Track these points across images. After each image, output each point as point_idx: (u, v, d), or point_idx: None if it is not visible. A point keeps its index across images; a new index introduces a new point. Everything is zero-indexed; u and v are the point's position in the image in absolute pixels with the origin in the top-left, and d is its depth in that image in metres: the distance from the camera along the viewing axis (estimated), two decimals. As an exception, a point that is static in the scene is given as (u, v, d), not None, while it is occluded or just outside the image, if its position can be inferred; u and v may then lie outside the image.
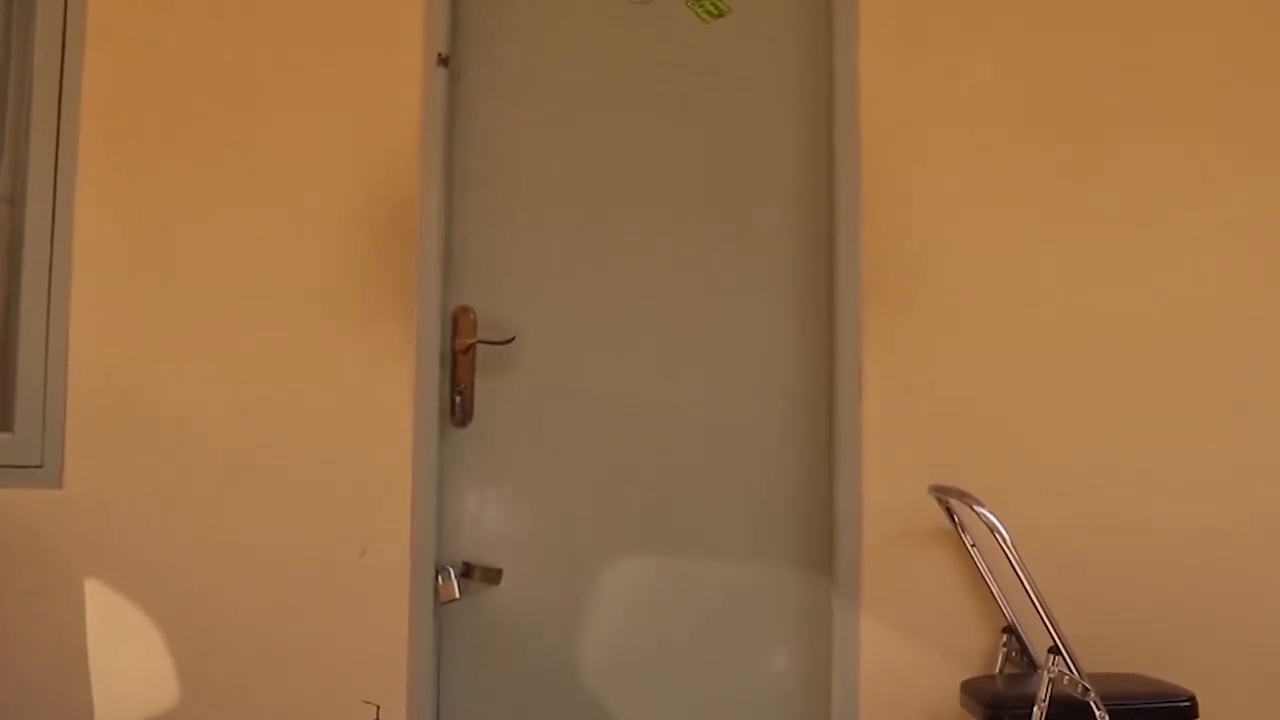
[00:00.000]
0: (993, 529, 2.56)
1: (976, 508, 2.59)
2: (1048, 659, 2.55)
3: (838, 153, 3.00)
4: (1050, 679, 2.53)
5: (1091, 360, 2.96)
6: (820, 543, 2.99)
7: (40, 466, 2.91)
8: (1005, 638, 2.84)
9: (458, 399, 2.98)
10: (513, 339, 2.99)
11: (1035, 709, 2.51)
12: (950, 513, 2.86)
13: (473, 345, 2.97)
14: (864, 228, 2.97)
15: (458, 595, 2.92)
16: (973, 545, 2.84)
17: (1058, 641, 2.54)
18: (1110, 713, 2.47)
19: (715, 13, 3.07)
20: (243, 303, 2.94)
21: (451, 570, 2.94)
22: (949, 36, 3.03)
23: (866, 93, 3.00)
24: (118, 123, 2.97)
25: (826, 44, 3.06)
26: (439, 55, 2.99)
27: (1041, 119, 3.00)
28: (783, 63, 3.09)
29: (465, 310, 2.99)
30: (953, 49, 3.02)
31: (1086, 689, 2.49)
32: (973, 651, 2.88)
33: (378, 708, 2.85)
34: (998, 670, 2.83)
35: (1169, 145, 2.99)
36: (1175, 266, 2.98)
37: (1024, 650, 2.82)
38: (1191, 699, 2.57)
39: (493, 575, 2.97)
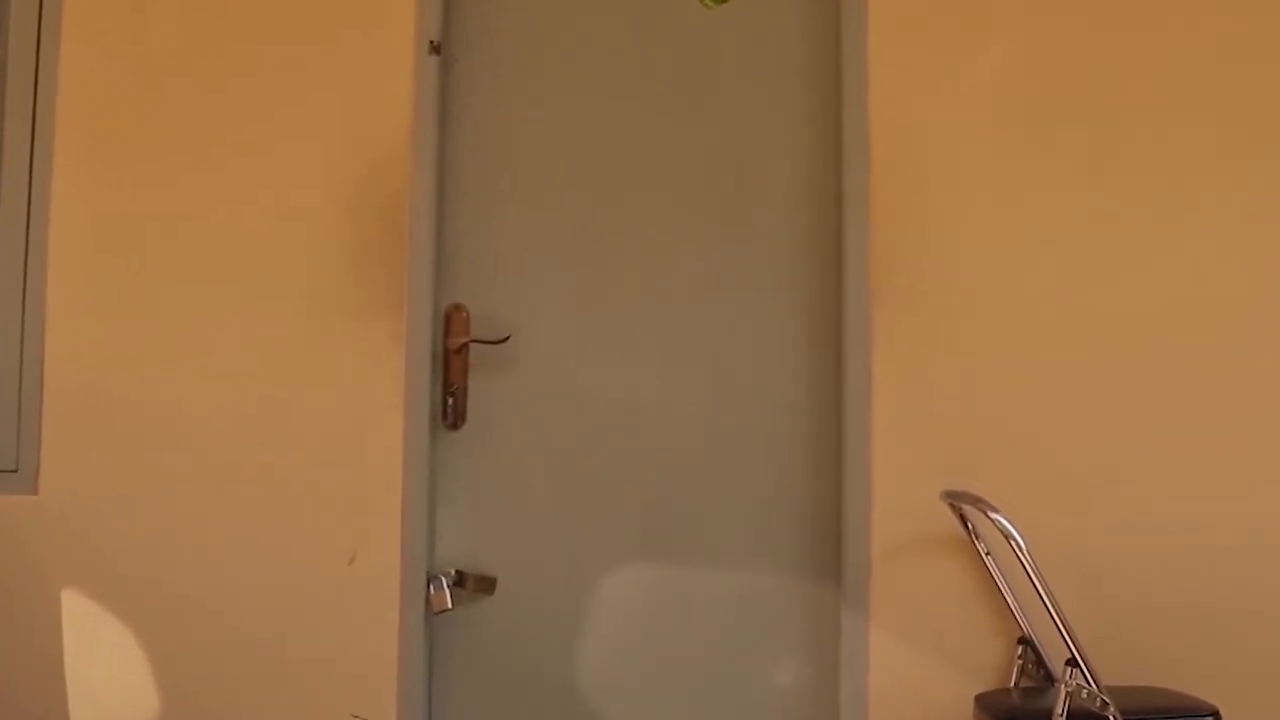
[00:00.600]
0: (1007, 536, 2.52)
1: (991, 514, 2.55)
2: (1065, 671, 2.52)
3: (845, 147, 2.97)
4: (1068, 692, 2.49)
5: (1108, 359, 2.91)
6: (827, 550, 2.95)
7: (15, 471, 2.88)
8: (1020, 649, 2.80)
9: (450, 400, 2.95)
10: (507, 338, 2.96)
11: (1052, 724, 2.49)
12: (963, 519, 2.82)
13: (466, 344, 2.95)
14: (872, 224, 2.94)
15: (450, 605, 2.89)
16: (987, 553, 2.81)
17: (1075, 653, 2.50)
18: (1130, 728, 2.45)
19: (718, -2, 3.03)
20: (226, 301, 2.92)
21: (444, 579, 2.91)
22: (959, 27, 2.99)
23: (875, 85, 2.96)
24: (95, 114, 2.94)
25: (834, 34, 3.01)
26: (431, 43, 2.96)
27: (1054, 113, 2.96)
28: (788, 52, 3.05)
29: (458, 308, 2.96)
30: (963, 40, 2.98)
31: (1105, 703, 2.46)
32: (986, 664, 2.85)
33: (366, 722, 2.85)
34: (1013, 683, 2.80)
35: (1186, 140, 2.95)
36: (1192, 263, 2.93)
37: (1040, 662, 2.78)
38: (1214, 713, 2.54)
39: (486, 584, 2.94)
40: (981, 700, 2.68)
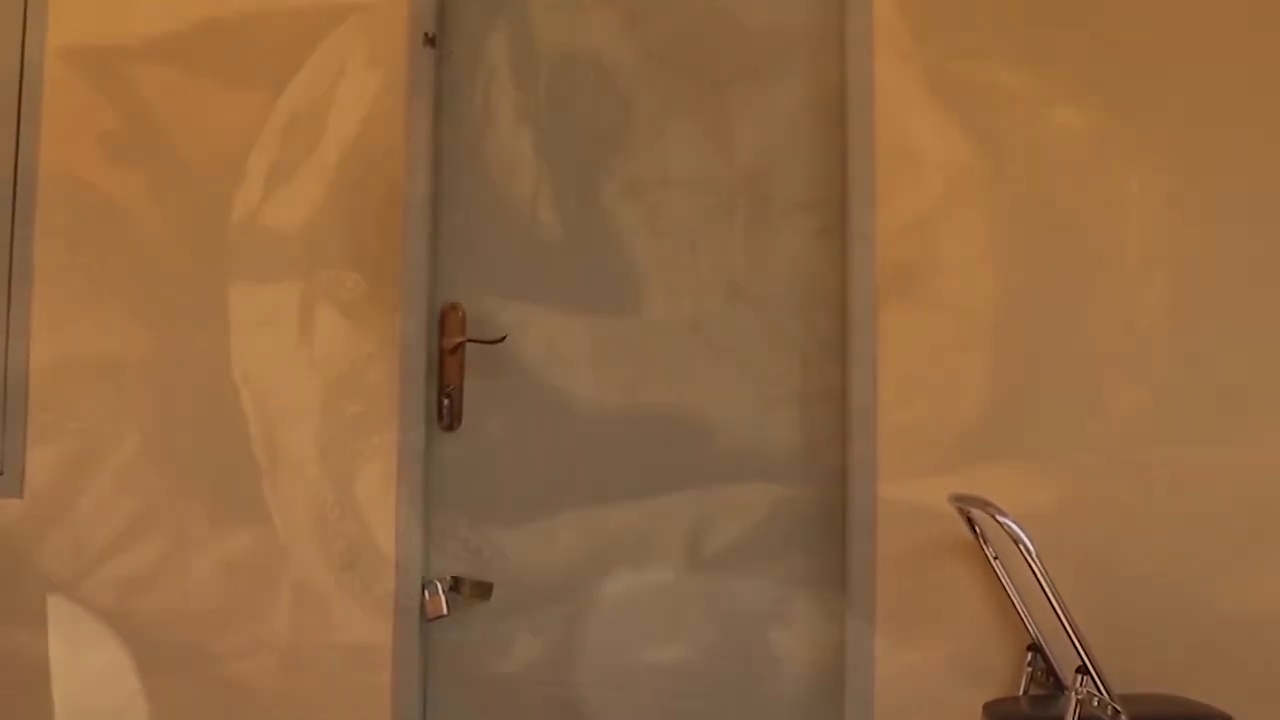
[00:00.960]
0: (1016, 540, 2.49)
1: (999, 517, 2.52)
2: (1075, 679, 2.49)
3: (851, 138, 2.93)
4: (1078, 701, 2.47)
5: (1117, 360, 2.88)
6: (832, 554, 2.92)
7: (0, 474, 2.87)
8: (1030, 656, 2.77)
9: (446, 401, 2.94)
10: (504, 338, 2.94)
11: (1062, 733, 2.47)
12: (971, 523, 2.78)
13: (461, 344, 2.94)
14: (878, 226, 2.90)
15: (446, 611, 2.88)
16: (995, 558, 2.77)
17: (1086, 660, 2.48)
18: (1143, 737, 2.43)
19: (720, -11, 3.02)
20: (216, 301, 2.92)
21: (439, 584, 2.90)
22: (964, 28, 2.96)
23: (880, 85, 2.93)
24: (82, 109, 2.93)
25: (839, 25, 2.97)
26: (425, 35, 2.95)
27: (1065, 104, 2.92)
28: (793, 48, 3.01)
29: (454, 307, 2.95)
30: (968, 40, 2.95)
31: (1117, 711, 2.43)
32: (995, 671, 2.82)
33: (360, 731, 2.84)
34: (1022, 691, 2.76)
35: (1188, 139, 2.91)
36: (1194, 260, 2.89)
37: (1050, 670, 2.74)
38: (1228, 721, 2.53)
39: (483, 590, 2.92)
40: (990, 708, 2.65)
